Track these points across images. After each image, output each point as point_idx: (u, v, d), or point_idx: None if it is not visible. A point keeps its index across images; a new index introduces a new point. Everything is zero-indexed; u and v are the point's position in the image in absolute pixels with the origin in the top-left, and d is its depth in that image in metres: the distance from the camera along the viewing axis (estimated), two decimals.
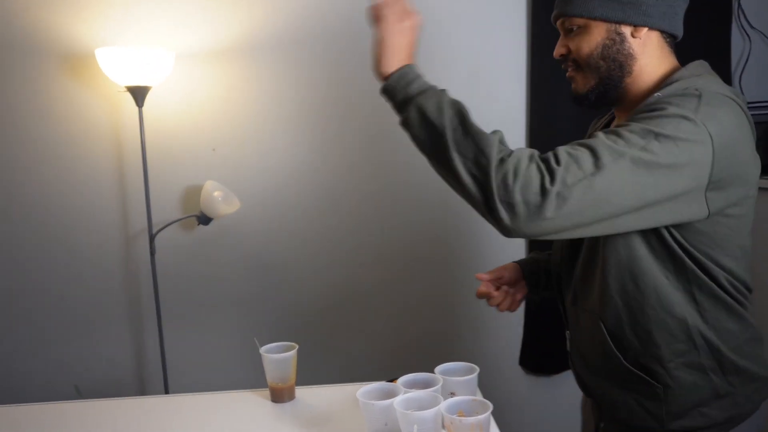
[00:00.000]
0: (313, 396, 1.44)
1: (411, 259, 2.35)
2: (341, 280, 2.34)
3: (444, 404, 1.05)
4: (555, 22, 1.26)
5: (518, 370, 2.44)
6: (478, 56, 2.27)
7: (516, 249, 2.30)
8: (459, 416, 1.04)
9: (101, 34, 2.16)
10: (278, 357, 1.41)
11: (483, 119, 2.30)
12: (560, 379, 2.40)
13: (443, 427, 1.05)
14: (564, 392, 2.38)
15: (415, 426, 1.02)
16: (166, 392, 2.23)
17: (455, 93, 1.11)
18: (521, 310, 2.38)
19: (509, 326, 2.38)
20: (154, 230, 2.16)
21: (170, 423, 1.35)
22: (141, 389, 2.37)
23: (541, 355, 2.36)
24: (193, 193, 2.25)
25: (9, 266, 2.28)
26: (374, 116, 2.24)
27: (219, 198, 2.14)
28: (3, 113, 2.20)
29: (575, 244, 1.26)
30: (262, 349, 1.44)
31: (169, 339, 2.25)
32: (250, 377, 2.32)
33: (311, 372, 2.11)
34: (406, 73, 1.11)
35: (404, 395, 1.10)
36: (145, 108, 2.07)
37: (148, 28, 2.17)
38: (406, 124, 1.11)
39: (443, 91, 1.11)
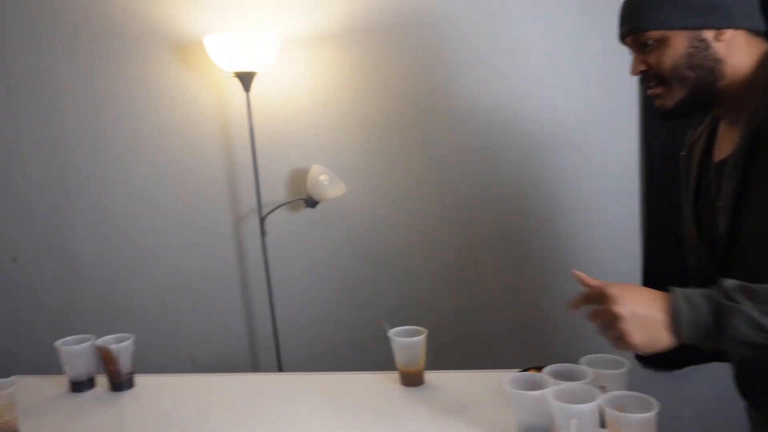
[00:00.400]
0: (442, 381, 1.44)
1: (519, 247, 2.29)
2: (444, 267, 2.32)
3: (603, 398, 1.03)
4: (624, 40, 1.17)
5: (635, 365, 2.32)
6: (586, 55, 2.15)
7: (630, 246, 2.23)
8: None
9: (209, 22, 2.20)
10: (409, 341, 1.42)
11: (595, 120, 2.26)
12: (682, 375, 2.28)
13: (602, 422, 1.03)
14: (688, 389, 2.28)
15: (575, 420, 1.00)
16: (280, 370, 2.30)
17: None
18: None
19: None
20: (264, 212, 2.21)
21: (298, 400, 1.39)
22: (255, 365, 2.45)
23: None
24: (299, 177, 2.28)
25: (126, 246, 2.39)
26: (483, 105, 2.20)
27: (325, 182, 2.16)
28: (117, 101, 2.30)
29: (722, 262, 1.14)
30: (391, 332, 1.45)
31: (281, 318, 2.31)
32: (358, 358, 2.36)
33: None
34: (679, 320, 0.93)
35: (557, 386, 1.09)
36: (251, 93, 2.10)
37: (254, 14, 2.19)
38: (732, 356, 0.98)
39: (728, 296, 0.92)
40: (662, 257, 2.17)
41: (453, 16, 2.15)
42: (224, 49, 2.00)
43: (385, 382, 1.47)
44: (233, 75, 2.06)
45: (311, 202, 2.20)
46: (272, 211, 2.22)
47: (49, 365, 1.55)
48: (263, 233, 2.21)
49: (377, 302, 2.34)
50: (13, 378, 1.29)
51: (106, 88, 2.29)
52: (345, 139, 2.26)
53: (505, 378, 1.15)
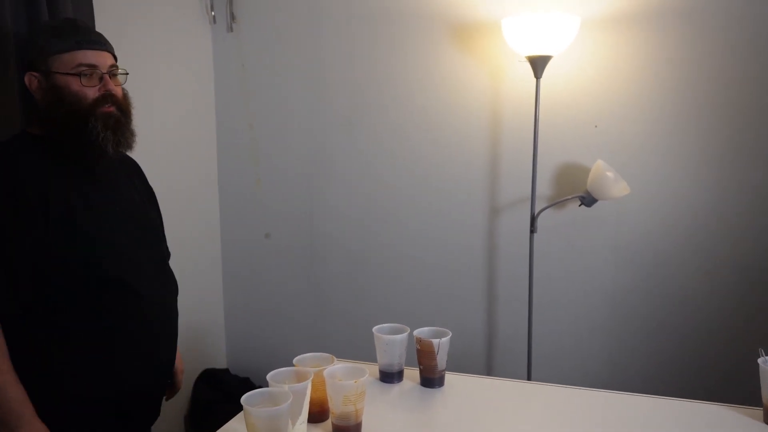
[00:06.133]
0: None
1: None
2: (724, 287, 2.03)
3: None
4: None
5: None
6: None
7: None
8: None
9: (508, 5, 2.09)
10: None
11: None
12: None
13: None
14: None
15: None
16: (529, 378, 2.15)
17: None
18: None
19: None
20: (537, 209, 2.05)
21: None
22: (489, 368, 2.32)
23: None
24: (572, 172, 2.10)
25: (370, 230, 2.36)
26: None
27: (612, 177, 1.96)
28: (393, 80, 2.25)
29: None
30: (763, 360, 1.23)
31: (536, 321, 2.15)
32: (606, 376, 2.15)
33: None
34: None
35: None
36: (542, 79, 1.95)
37: None
38: None
39: None
40: None
41: None
42: (521, 31, 1.88)
43: (739, 417, 1.25)
44: (526, 59, 1.92)
45: (589, 201, 2.02)
46: (548, 207, 2.06)
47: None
48: (533, 230, 2.05)
49: (637, 320, 2.11)
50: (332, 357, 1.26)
51: (376, 70, 2.26)
52: (631, 134, 2.04)
53: None
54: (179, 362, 1.56)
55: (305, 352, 1.27)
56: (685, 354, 2.07)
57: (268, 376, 1.14)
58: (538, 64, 1.91)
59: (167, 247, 1.57)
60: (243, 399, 1.04)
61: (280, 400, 1.04)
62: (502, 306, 2.25)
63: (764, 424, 1.23)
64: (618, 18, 1.98)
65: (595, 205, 2.04)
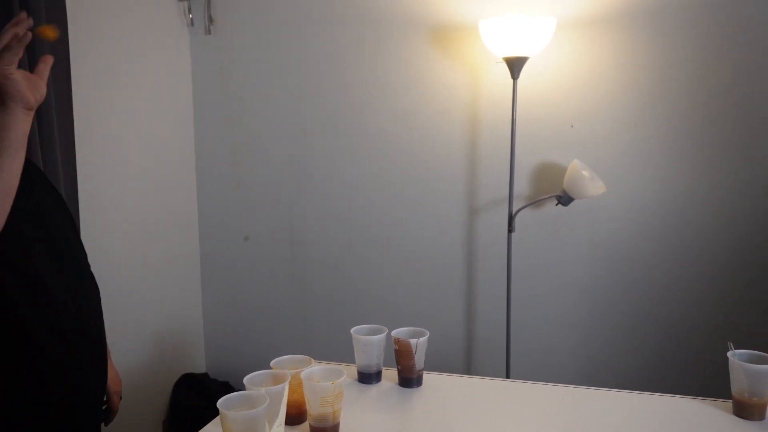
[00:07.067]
0: None
1: None
2: (699, 283, 2.06)
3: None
4: None
5: None
6: None
7: None
8: None
9: (486, 7, 2.10)
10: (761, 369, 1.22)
11: None
12: None
13: None
14: None
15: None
16: (508, 376, 2.16)
17: None
18: None
19: None
20: (515, 208, 2.07)
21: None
22: (468, 366, 2.33)
23: None
24: (549, 172, 2.12)
25: (350, 231, 2.37)
26: (759, 106, 1.93)
27: (588, 177, 1.98)
28: (372, 82, 2.26)
29: None
30: (733, 354, 1.26)
31: (515, 320, 2.17)
32: (585, 373, 2.18)
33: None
34: None
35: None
36: (519, 80, 1.97)
37: None
38: None
39: None
40: None
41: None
42: (498, 33, 1.90)
43: (708, 410, 1.27)
44: (502, 60, 1.94)
45: (566, 200, 2.04)
46: (525, 206, 2.08)
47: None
48: (511, 229, 2.07)
49: (614, 316, 2.14)
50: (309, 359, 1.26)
51: (355, 72, 2.27)
52: (606, 134, 2.07)
53: None
54: (115, 384, 1.40)
55: (285, 355, 1.28)
56: (664, 349, 2.10)
57: (245, 379, 1.14)
58: (515, 65, 1.93)
59: (84, 257, 1.31)
60: (219, 402, 1.04)
61: (257, 403, 1.04)
62: (481, 305, 2.26)
63: (734, 416, 1.26)
64: (593, 20, 2.01)
65: (571, 204, 2.06)
